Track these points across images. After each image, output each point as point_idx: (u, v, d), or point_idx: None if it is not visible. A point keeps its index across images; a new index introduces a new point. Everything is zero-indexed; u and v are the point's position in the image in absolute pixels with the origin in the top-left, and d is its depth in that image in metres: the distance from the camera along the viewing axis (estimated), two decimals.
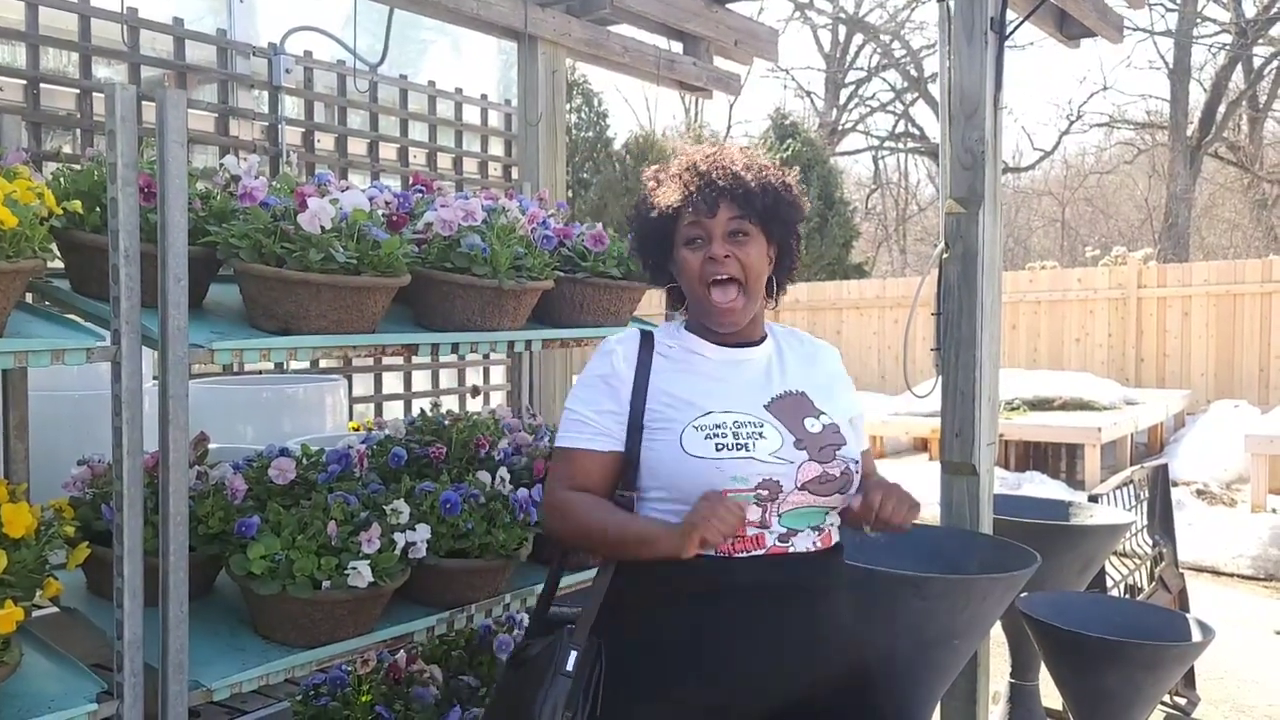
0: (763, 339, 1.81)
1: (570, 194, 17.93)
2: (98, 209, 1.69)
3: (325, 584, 1.77)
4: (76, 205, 1.67)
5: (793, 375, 1.77)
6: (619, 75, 4.79)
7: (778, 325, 1.89)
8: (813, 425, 1.69)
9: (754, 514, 1.62)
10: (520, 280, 2.03)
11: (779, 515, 1.64)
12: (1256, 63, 20.08)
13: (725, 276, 1.70)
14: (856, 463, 1.71)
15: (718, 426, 1.65)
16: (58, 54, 3.65)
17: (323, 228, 1.71)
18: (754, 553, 1.62)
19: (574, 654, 1.63)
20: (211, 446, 2.24)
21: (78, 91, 3.55)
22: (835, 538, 1.72)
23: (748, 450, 1.63)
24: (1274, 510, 7.16)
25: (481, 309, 2.01)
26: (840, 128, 24.54)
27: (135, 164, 1.50)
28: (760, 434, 1.65)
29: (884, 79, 24.91)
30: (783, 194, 1.75)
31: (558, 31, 4.03)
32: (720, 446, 1.63)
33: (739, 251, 1.70)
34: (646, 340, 1.78)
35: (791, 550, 1.64)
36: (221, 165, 1.94)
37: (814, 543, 1.67)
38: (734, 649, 1.61)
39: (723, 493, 1.56)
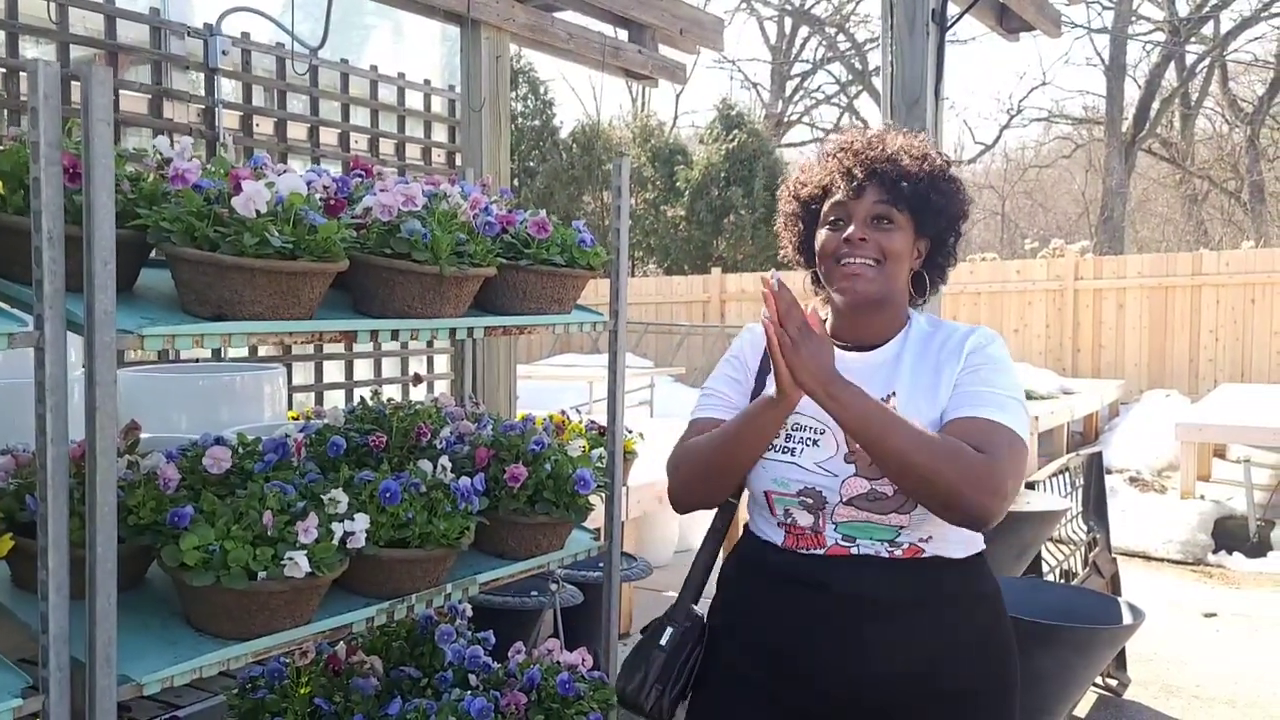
0: (886, 341, 1.67)
1: (516, 182, 17.81)
2: (21, 190, 1.63)
3: (261, 575, 1.74)
4: None
5: (896, 379, 1.63)
6: (565, 63, 4.76)
7: (928, 320, 1.72)
8: None
9: (805, 519, 1.61)
10: (462, 267, 2.01)
11: (834, 524, 1.59)
12: (1189, 60, 20.59)
13: (858, 261, 1.59)
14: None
15: None
16: None
17: (258, 211, 1.67)
18: (813, 550, 1.61)
19: (669, 630, 1.72)
20: (145, 436, 2.18)
21: (4, 71, 3.44)
22: (928, 552, 1.59)
23: (793, 455, 1.61)
24: (1202, 497, 7.36)
25: (422, 295, 1.98)
26: (786, 119, 24.69)
27: (59, 143, 1.45)
28: (814, 441, 1.61)
29: (829, 71, 25.16)
30: (940, 183, 1.63)
31: (501, 16, 3.99)
32: (771, 446, 1.64)
33: (881, 238, 1.59)
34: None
35: (854, 552, 1.58)
36: (153, 146, 1.88)
37: (886, 551, 1.57)
38: (787, 640, 1.62)
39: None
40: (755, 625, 1.67)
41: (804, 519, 1.61)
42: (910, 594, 1.58)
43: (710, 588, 1.82)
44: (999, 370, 1.61)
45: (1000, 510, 1.49)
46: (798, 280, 1.78)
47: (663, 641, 1.72)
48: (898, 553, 1.58)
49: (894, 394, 1.61)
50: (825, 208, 1.66)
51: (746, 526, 1.76)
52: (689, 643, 1.72)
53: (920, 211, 1.62)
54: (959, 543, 1.61)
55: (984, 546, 1.68)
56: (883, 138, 1.66)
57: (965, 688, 1.59)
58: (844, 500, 1.57)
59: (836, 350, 1.64)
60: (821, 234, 1.66)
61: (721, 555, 1.84)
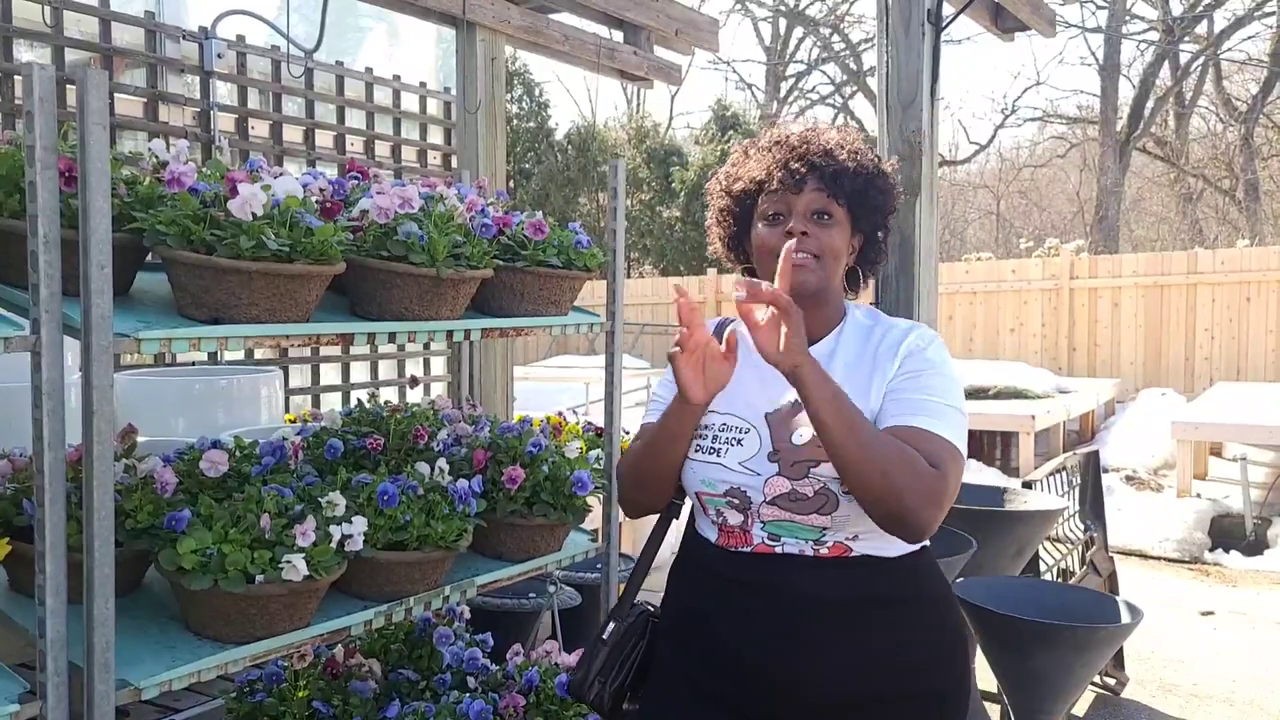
0: (820, 338, 1.65)
1: (512, 184, 17.80)
2: (16, 194, 1.63)
3: (259, 578, 1.74)
4: None
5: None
6: (560, 64, 4.76)
7: (865, 313, 1.70)
8: (801, 437, 1.55)
9: (735, 519, 1.60)
10: (458, 269, 2.01)
11: (761, 523, 1.58)
12: (1183, 59, 20.63)
13: (800, 255, 1.57)
14: (841, 480, 1.50)
15: (706, 427, 1.64)
16: None
17: (254, 214, 1.67)
18: (741, 549, 1.61)
19: (612, 625, 1.73)
20: (142, 439, 2.18)
21: None
22: (857, 551, 1.55)
23: (719, 456, 1.60)
24: (1199, 495, 7.37)
25: (419, 298, 1.98)
26: (781, 120, 24.67)
27: (54, 146, 1.45)
28: (739, 440, 1.59)
29: (824, 72, 25.17)
30: (876, 179, 1.63)
31: (497, 18, 3.99)
32: (698, 448, 1.63)
33: (820, 233, 1.59)
34: (719, 330, 1.74)
35: (779, 551, 1.57)
36: (148, 150, 1.88)
37: (811, 550, 1.55)
38: (717, 636, 1.61)
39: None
40: (692, 622, 1.67)
41: (734, 518, 1.60)
42: (838, 593, 1.55)
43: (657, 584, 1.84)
44: (938, 375, 1.57)
45: (937, 526, 1.47)
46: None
47: (605, 636, 1.73)
48: (823, 551, 1.55)
49: None
50: (761, 203, 1.65)
51: (690, 523, 1.77)
52: (632, 637, 1.73)
53: (858, 207, 1.62)
54: (892, 541, 1.57)
55: (925, 543, 1.63)
56: (817, 133, 1.65)
57: (901, 692, 1.56)
58: (767, 500, 1.56)
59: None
60: (759, 229, 1.65)
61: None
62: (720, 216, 1.75)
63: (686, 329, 1.50)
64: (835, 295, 1.68)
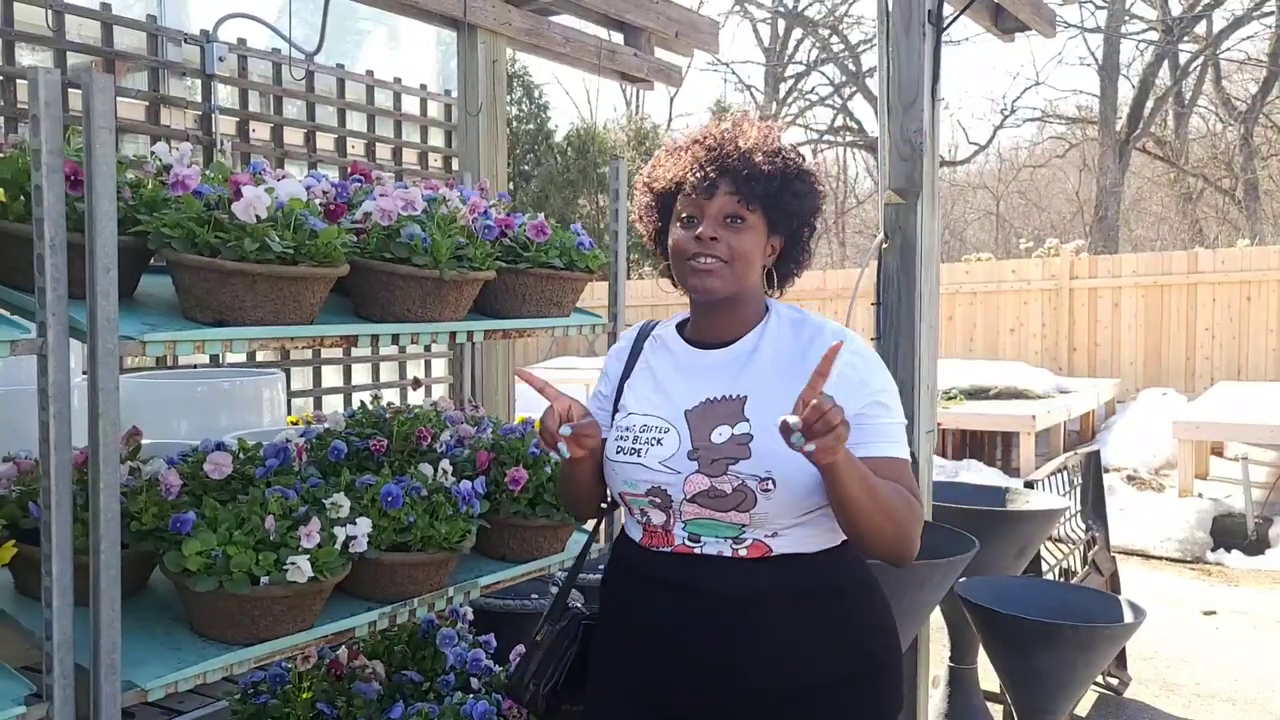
0: (741, 337, 1.66)
1: (512, 186, 17.81)
2: (22, 197, 1.63)
3: (263, 580, 1.74)
4: None
5: (748, 378, 1.60)
6: (560, 66, 4.77)
7: (791, 315, 1.70)
8: (720, 435, 1.56)
9: (658, 518, 1.62)
10: (461, 270, 2.01)
11: (682, 523, 1.59)
12: (1182, 59, 20.64)
13: (709, 259, 1.58)
14: (761, 479, 1.52)
15: (628, 429, 1.66)
16: None
17: (258, 217, 1.68)
18: (662, 549, 1.63)
19: (546, 628, 1.77)
20: (145, 442, 2.18)
21: (1, 78, 3.44)
22: (776, 550, 1.56)
23: (639, 456, 1.62)
24: (1200, 495, 7.37)
25: (422, 299, 1.98)
26: (780, 121, 24.68)
27: (60, 150, 1.46)
28: (659, 440, 1.61)
29: (823, 73, 25.16)
30: (794, 181, 1.61)
31: (498, 20, 3.99)
32: (620, 449, 1.65)
33: (731, 238, 1.58)
34: (643, 333, 1.79)
35: (698, 551, 1.58)
36: (152, 153, 1.89)
37: (730, 550, 1.57)
38: (640, 637, 1.64)
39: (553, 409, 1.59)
40: (622, 621, 1.70)
41: (657, 517, 1.62)
42: (758, 588, 1.56)
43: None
44: (890, 394, 1.62)
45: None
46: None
47: (538, 639, 1.77)
48: (742, 551, 1.56)
49: (745, 397, 1.59)
50: (678, 204, 1.65)
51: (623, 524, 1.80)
52: (564, 640, 1.77)
53: (773, 210, 1.61)
54: (812, 537, 1.58)
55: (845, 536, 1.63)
56: (736, 133, 1.64)
57: (829, 679, 1.57)
58: (688, 497, 1.57)
59: (692, 350, 1.69)
60: (674, 231, 1.65)
61: None
62: (644, 212, 1.76)
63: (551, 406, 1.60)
64: (752, 295, 1.67)
